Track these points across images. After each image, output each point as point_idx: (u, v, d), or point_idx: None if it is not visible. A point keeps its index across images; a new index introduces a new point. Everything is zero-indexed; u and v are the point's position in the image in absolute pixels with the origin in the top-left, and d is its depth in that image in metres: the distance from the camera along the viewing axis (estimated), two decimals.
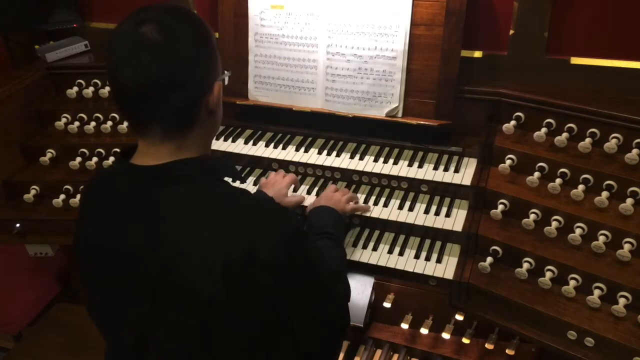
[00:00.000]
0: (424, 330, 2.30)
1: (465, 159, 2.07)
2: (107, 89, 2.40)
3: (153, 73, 1.12)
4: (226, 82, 1.31)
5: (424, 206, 1.99)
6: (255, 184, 2.17)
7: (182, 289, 1.15)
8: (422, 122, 2.07)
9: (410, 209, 1.98)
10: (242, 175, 2.21)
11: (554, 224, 1.75)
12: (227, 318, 1.18)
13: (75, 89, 2.42)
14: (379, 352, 2.43)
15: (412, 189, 2.05)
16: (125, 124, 2.33)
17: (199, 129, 1.24)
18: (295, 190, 2.06)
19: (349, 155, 2.15)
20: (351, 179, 2.11)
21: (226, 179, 1.38)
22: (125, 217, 1.21)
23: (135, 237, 1.19)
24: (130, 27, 1.14)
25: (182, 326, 1.18)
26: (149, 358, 1.24)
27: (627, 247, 1.64)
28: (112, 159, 2.30)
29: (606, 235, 1.68)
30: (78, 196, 2.22)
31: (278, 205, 1.29)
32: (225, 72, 1.32)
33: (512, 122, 1.96)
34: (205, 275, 1.12)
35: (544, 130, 1.90)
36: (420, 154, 2.12)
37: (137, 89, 1.13)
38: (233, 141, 2.29)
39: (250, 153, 2.22)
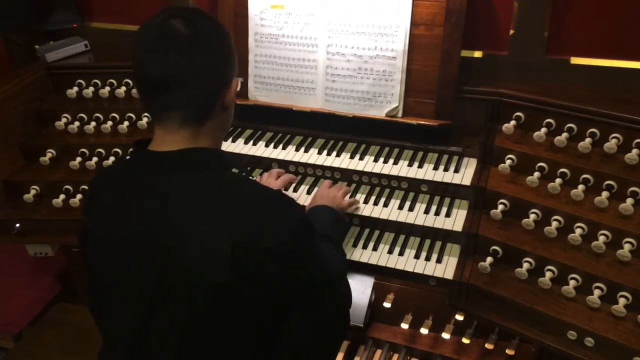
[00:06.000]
0: (424, 330, 2.30)
1: (465, 159, 2.07)
2: (107, 89, 2.40)
3: (178, 63, 1.19)
4: (239, 88, 1.35)
5: (424, 206, 1.99)
6: None
7: (187, 273, 1.17)
8: (422, 122, 2.07)
9: (410, 209, 1.98)
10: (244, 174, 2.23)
11: (554, 224, 1.75)
12: (231, 304, 1.19)
13: (75, 89, 2.42)
14: (379, 352, 2.43)
15: (412, 189, 2.05)
16: (125, 123, 2.33)
17: (212, 122, 1.29)
18: (286, 190, 2.06)
19: (349, 155, 2.15)
20: (351, 179, 2.11)
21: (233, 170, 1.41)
22: (132, 203, 1.24)
23: (141, 222, 1.21)
24: (159, 21, 1.22)
25: (186, 313, 1.19)
26: (148, 346, 1.25)
27: (627, 247, 1.64)
28: (112, 159, 2.30)
29: (606, 235, 1.68)
30: (78, 196, 2.22)
31: (285, 196, 1.32)
32: (238, 78, 1.36)
33: (512, 122, 1.96)
34: (212, 260, 1.15)
35: (544, 130, 1.90)
36: (420, 154, 2.12)
37: (161, 77, 1.20)
38: (233, 141, 2.29)
39: (250, 153, 2.22)
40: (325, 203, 1.83)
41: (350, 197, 2.02)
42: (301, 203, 2.03)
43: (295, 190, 2.10)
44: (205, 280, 1.16)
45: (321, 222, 1.73)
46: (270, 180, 2.02)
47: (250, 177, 2.11)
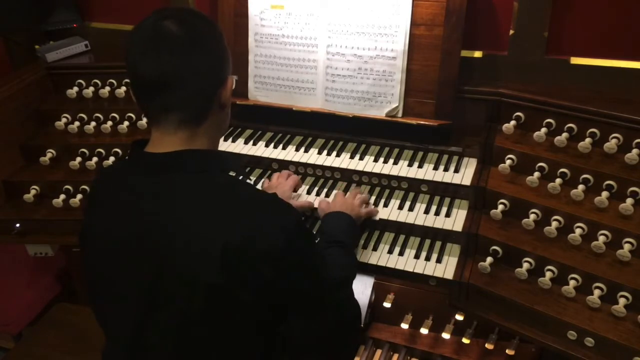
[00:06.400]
0: (424, 330, 2.30)
1: (465, 159, 2.07)
2: (107, 89, 2.40)
3: (173, 63, 1.19)
4: (234, 86, 1.35)
5: (424, 206, 1.99)
6: (254, 184, 2.17)
7: (184, 274, 1.17)
8: (422, 122, 2.07)
9: (410, 209, 1.98)
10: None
11: (554, 224, 1.75)
12: (226, 305, 1.19)
13: (75, 89, 2.42)
14: (379, 352, 2.44)
15: (412, 189, 2.05)
16: (125, 123, 2.33)
17: (210, 122, 1.29)
18: (296, 191, 2.06)
19: (349, 155, 2.15)
20: (351, 179, 2.11)
21: (230, 173, 1.41)
22: (130, 204, 1.24)
23: (139, 223, 1.21)
24: (152, 22, 1.22)
25: (181, 313, 1.20)
26: (147, 346, 1.25)
27: (627, 247, 1.64)
28: (112, 159, 2.30)
29: (606, 235, 1.68)
30: (78, 196, 2.22)
31: (281, 199, 1.31)
32: (233, 76, 1.36)
33: (512, 122, 1.96)
34: (207, 261, 1.15)
35: (544, 130, 1.90)
36: (420, 154, 2.12)
37: (157, 78, 1.20)
38: (233, 141, 2.29)
39: (250, 153, 2.22)
40: (342, 210, 1.83)
41: (365, 201, 2.00)
42: None
43: (295, 191, 2.09)
44: (201, 282, 1.16)
45: (335, 227, 1.74)
46: (282, 180, 2.02)
47: (248, 180, 2.11)
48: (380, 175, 2.06)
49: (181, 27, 1.21)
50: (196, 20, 1.26)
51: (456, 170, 2.02)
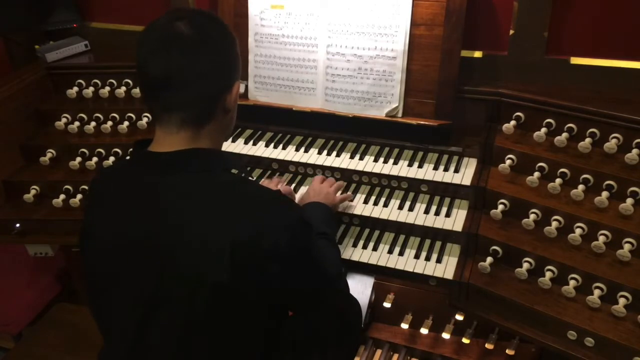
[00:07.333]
0: (424, 330, 2.30)
1: (465, 159, 2.07)
2: (107, 89, 2.40)
3: (179, 64, 1.20)
4: (242, 90, 1.34)
5: (424, 206, 1.99)
6: None
7: (187, 274, 1.17)
8: (422, 122, 2.07)
9: (410, 209, 1.98)
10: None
11: (554, 224, 1.75)
12: (231, 304, 1.20)
13: (75, 89, 2.42)
14: (379, 352, 2.44)
15: (412, 189, 2.05)
16: (125, 123, 2.33)
17: (213, 125, 1.30)
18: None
19: (349, 155, 2.15)
20: (351, 179, 2.11)
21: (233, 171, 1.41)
22: (132, 204, 1.24)
23: (141, 222, 1.22)
24: (164, 22, 1.23)
25: (184, 313, 1.20)
26: (148, 346, 1.25)
27: (627, 247, 1.64)
28: (112, 159, 2.30)
29: (606, 235, 1.68)
30: (78, 196, 2.22)
31: (283, 196, 1.32)
32: (242, 81, 1.35)
33: (512, 122, 1.97)
34: (211, 260, 1.15)
35: (544, 130, 1.90)
36: (420, 154, 2.12)
37: (162, 77, 1.20)
38: (233, 141, 2.29)
39: (250, 153, 2.22)
40: (318, 199, 1.83)
41: (343, 192, 2.01)
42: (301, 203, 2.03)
43: (295, 191, 2.09)
44: (205, 281, 1.16)
45: (315, 219, 1.73)
46: (272, 185, 2.02)
47: (250, 178, 2.12)
48: (380, 175, 2.06)
49: (193, 29, 1.21)
50: (209, 23, 1.26)
51: (456, 170, 2.02)
